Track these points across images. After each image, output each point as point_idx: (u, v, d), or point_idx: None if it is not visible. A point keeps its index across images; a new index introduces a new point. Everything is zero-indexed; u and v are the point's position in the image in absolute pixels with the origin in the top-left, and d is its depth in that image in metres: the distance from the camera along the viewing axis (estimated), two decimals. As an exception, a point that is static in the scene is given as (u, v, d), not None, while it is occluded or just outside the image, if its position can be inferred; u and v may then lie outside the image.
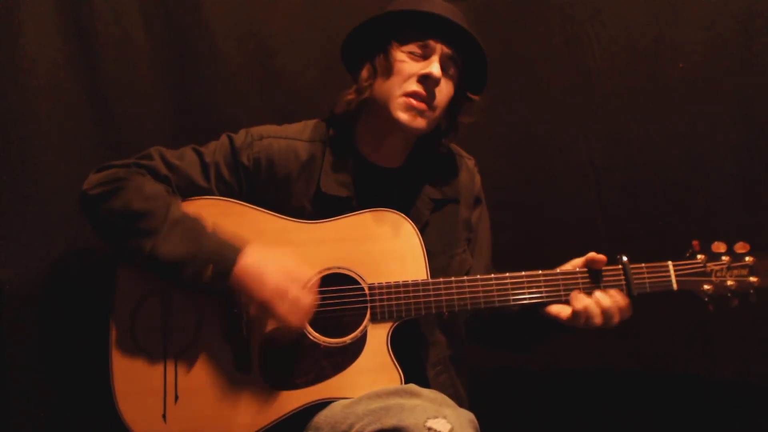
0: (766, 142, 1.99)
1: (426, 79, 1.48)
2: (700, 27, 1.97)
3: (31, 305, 1.71)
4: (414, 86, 1.48)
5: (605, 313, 1.45)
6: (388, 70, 1.50)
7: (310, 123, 1.64)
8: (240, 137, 1.56)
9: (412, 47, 1.50)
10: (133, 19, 1.85)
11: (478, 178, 1.75)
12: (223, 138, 1.58)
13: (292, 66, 1.96)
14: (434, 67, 1.47)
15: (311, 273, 1.44)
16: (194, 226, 1.41)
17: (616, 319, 1.46)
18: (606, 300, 1.45)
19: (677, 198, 2.04)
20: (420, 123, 1.50)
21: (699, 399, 2.08)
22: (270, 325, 1.44)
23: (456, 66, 1.54)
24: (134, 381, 1.42)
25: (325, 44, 1.95)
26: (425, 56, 1.50)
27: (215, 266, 1.36)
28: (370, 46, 1.55)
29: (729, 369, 2.06)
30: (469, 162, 1.75)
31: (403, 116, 1.49)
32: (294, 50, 1.96)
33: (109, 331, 1.44)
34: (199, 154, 1.54)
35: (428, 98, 1.49)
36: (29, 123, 1.73)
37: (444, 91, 1.52)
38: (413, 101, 1.48)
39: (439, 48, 1.50)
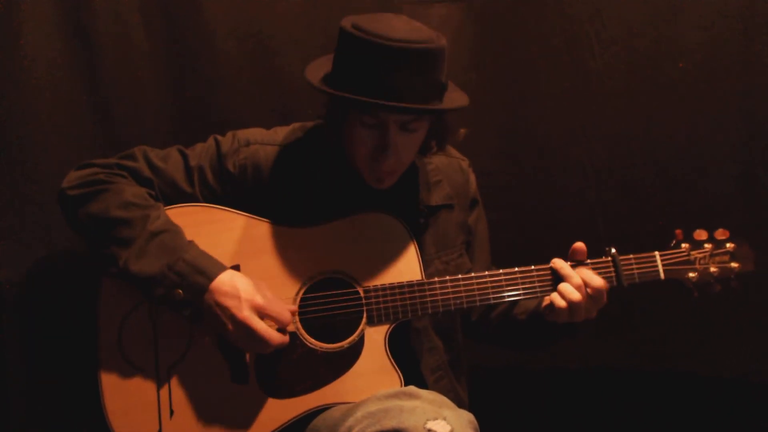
0: (766, 142, 1.99)
1: (384, 157, 1.39)
2: (700, 27, 1.97)
3: (31, 305, 1.71)
4: (373, 163, 1.41)
5: (596, 289, 1.43)
6: (347, 135, 1.44)
7: (298, 128, 1.59)
8: (227, 142, 1.53)
9: (365, 117, 1.38)
10: (133, 19, 1.84)
11: (472, 178, 1.72)
12: (210, 140, 1.54)
13: (292, 66, 1.95)
14: (389, 152, 1.38)
15: (290, 293, 1.44)
16: (171, 242, 1.37)
17: (604, 299, 1.46)
18: (597, 280, 1.44)
19: (677, 198, 2.04)
20: (389, 183, 1.47)
21: (699, 398, 2.08)
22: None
23: (421, 116, 1.40)
24: (126, 398, 1.39)
25: (325, 44, 1.93)
26: (378, 126, 1.38)
27: (185, 291, 1.33)
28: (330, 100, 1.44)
29: (729, 369, 2.06)
30: (462, 163, 1.71)
31: (370, 180, 1.46)
32: (294, 50, 1.95)
33: (94, 348, 1.41)
34: (185, 157, 1.51)
35: (393, 164, 1.42)
36: (29, 123, 1.73)
37: (410, 144, 1.44)
38: (377, 172, 1.43)
39: (392, 119, 1.37)
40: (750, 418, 2.06)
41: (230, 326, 1.34)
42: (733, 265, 1.54)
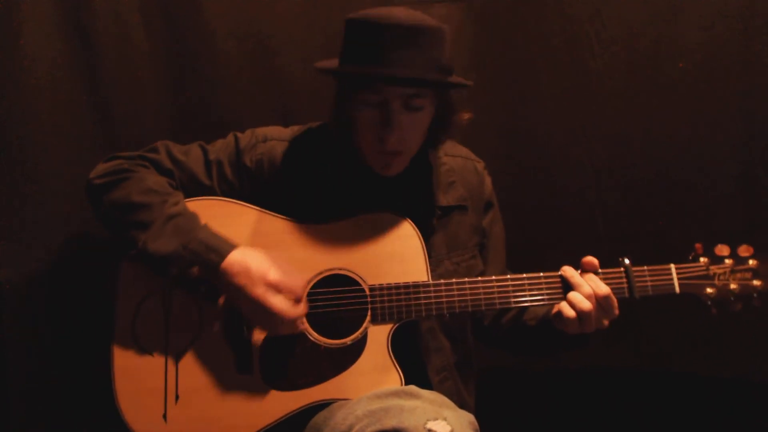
0: (766, 142, 1.99)
1: (387, 134, 1.39)
2: (700, 27, 1.97)
3: (31, 305, 1.71)
4: (377, 144, 1.42)
5: (606, 298, 1.42)
6: (354, 123, 1.45)
7: (314, 126, 1.63)
8: (245, 138, 1.57)
9: (365, 95, 1.39)
10: (133, 19, 1.85)
11: (488, 180, 1.72)
12: (230, 137, 1.59)
13: (292, 66, 1.96)
14: (392, 128, 1.38)
15: (303, 273, 1.45)
16: (186, 224, 1.41)
17: (616, 311, 1.44)
18: (605, 288, 1.43)
19: (677, 198, 2.04)
20: (396, 170, 1.49)
21: (699, 399, 2.08)
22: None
23: (425, 91, 1.41)
24: (135, 380, 1.43)
25: (325, 44, 1.95)
26: (381, 104, 1.39)
27: (200, 268, 1.37)
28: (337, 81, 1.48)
29: (729, 369, 2.06)
30: (478, 165, 1.71)
31: (376, 165, 1.48)
32: (294, 50, 1.95)
33: (110, 330, 1.45)
34: (205, 152, 1.56)
35: (398, 146, 1.42)
36: (29, 123, 1.73)
37: (417, 125, 1.44)
38: (383, 155, 1.44)
39: (392, 92, 1.37)
40: (750, 418, 2.05)
41: (246, 305, 1.37)
42: (756, 283, 1.48)
